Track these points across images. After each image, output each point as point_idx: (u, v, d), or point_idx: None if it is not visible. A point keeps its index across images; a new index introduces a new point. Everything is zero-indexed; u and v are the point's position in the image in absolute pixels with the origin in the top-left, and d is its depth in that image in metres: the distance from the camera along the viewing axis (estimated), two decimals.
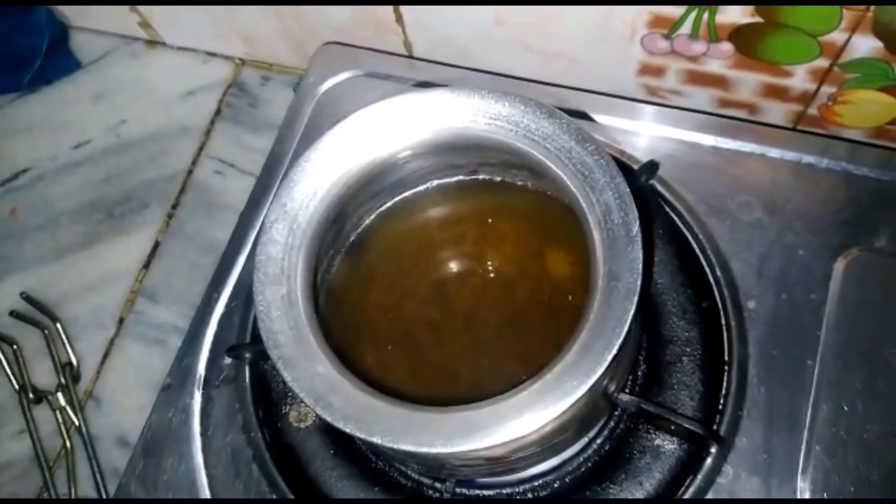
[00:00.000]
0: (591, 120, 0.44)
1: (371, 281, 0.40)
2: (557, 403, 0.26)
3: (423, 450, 0.26)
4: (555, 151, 0.30)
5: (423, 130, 0.32)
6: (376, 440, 0.27)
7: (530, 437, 0.29)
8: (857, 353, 0.39)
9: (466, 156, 0.36)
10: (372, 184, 0.35)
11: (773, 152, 0.43)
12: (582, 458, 0.39)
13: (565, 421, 0.31)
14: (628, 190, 0.29)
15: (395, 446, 0.27)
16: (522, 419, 0.26)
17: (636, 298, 0.27)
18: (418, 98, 0.32)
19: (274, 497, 0.38)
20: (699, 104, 0.51)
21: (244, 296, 0.44)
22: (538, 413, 0.26)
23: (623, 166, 0.42)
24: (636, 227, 0.28)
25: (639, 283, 0.27)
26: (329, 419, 0.27)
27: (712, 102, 0.51)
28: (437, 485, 0.39)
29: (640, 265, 0.27)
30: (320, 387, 0.28)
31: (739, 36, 0.45)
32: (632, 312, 0.27)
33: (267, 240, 0.30)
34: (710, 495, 0.37)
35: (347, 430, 0.27)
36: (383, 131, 0.32)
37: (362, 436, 0.27)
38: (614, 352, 0.26)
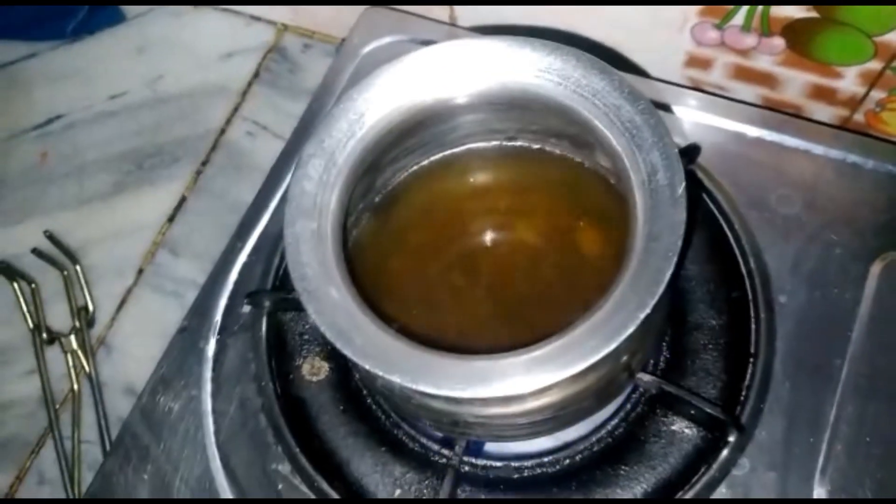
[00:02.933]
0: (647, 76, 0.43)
1: (397, 241, 0.39)
2: (580, 360, 0.26)
3: (442, 392, 0.26)
4: (603, 108, 0.29)
5: (471, 78, 0.31)
6: (395, 378, 0.26)
7: (548, 396, 0.28)
8: (887, 358, 0.38)
9: (508, 118, 0.35)
10: (411, 136, 0.35)
11: (818, 149, 0.42)
12: (595, 438, 0.38)
13: (583, 387, 0.30)
14: (676, 151, 0.28)
15: (414, 386, 0.26)
16: (542, 371, 0.26)
17: (675, 259, 0.26)
18: (470, 44, 0.31)
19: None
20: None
21: (267, 249, 0.44)
22: (559, 368, 0.26)
23: None
24: (681, 189, 0.27)
25: (679, 244, 0.26)
26: (349, 354, 0.27)
27: (757, 101, 0.51)
28: (445, 451, 0.38)
29: (683, 227, 0.27)
30: (343, 322, 0.27)
31: (793, 31, 0.44)
32: (669, 273, 0.26)
33: (302, 174, 0.30)
34: (723, 487, 0.36)
35: (367, 367, 0.27)
36: (431, 77, 0.32)
37: (381, 373, 0.26)
38: (647, 310, 0.26)
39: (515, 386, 0.25)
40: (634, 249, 0.27)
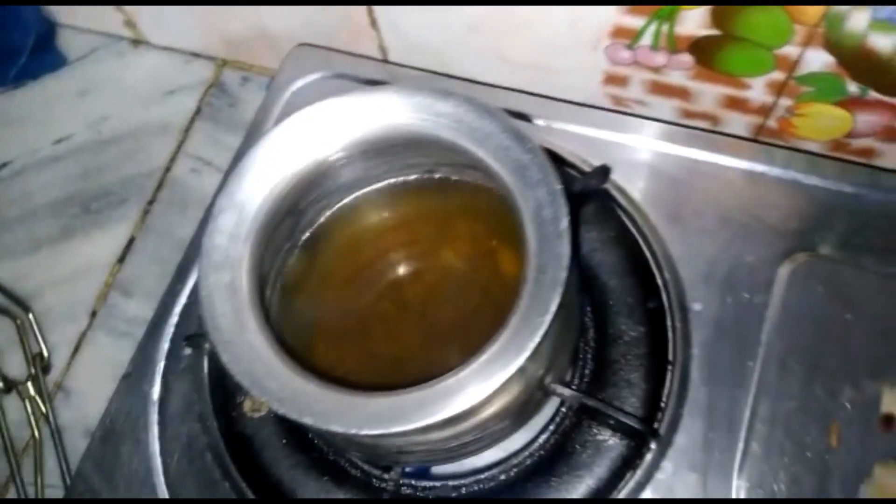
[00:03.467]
0: (530, 121, 0.46)
1: (327, 275, 0.41)
2: (479, 391, 0.27)
3: (350, 431, 0.27)
4: (493, 149, 0.31)
5: (367, 128, 0.33)
6: (307, 421, 0.28)
7: (463, 422, 0.30)
8: (797, 356, 0.40)
9: (420, 155, 0.37)
10: (326, 180, 0.36)
11: (727, 161, 0.44)
12: (528, 452, 0.40)
13: (499, 409, 0.32)
14: (560, 187, 0.30)
15: (324, 427, 0.28)
16: (446, 404, 0.27)
17: (560, 290, 0.28)
18: (364, 96, 0.33)
19: (234, 497, 0.39)
20: (664, 115, 0.53)
21: None
22: (460, 399, 0.27)
23: (579, 171, 0.43)
24: (565, 222, 0.29)
25: (563, 275, 0.28)
26: (264, 400, 0.28)
27: (676, 113, 0.52)
28: (386, 476, 0.39)
29: (567, 259, 0.28)
30: (258, 370, 0.29)
31: (698, 48, 0.46)
32: (555, 303, 0.28)
33: (213, 228, 0.31)
34: (648, 490, 0.38)
35: (281, 412, 0.28)
36: (330, 128, 0.33)
37: (294, 417, 0.28)
38: (536, 341, 0.27)
39: (418, 420, 0.27)
40: (527, 280, 0.29)
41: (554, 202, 0.29)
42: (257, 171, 0.32)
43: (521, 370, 0.27)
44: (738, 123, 0.52)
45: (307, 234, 0.40)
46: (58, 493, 0.53)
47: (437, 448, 0.34)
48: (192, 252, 0.46)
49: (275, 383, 0.28)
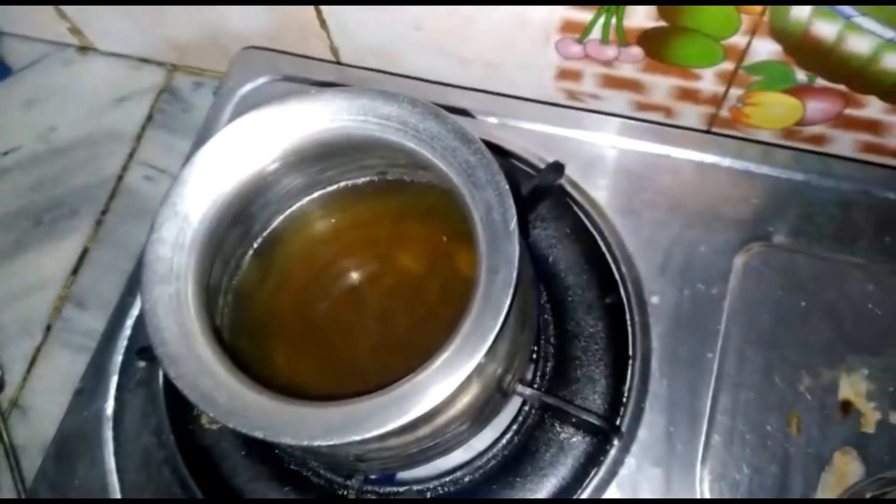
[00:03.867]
0: (472, 116, 0.45)
1: (281, 280, 0.40)
2: (432, 398, 0.27)
3: (302, 443, 0.27)
4: (441, 150, 0.31)
5: (310, 132, 0.32)
6: (258, 434, 0.27)
7: (421, 428, 0.29)
8: (755, 346, 0.40)
9: (370, 157, 0.36)
10: (272, 186, 0.35)
11: (678, 153, 0.45)
12: (492, 453, 0.40)
13: (458, 412, 0.31)
14: (507, 187, 0.29)
15: (275, 440, 0.27)
16: (401, 411, 0.27)
17: (511, 291, 0.28)
18: (305, 101, 0.32)
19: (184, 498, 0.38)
20: (618, 107, 0.53)
21: None
22: (415, 405, 0.27)
23: (534, 167, 0.43)
24: (514, 223, 0.29)
25: (514, 275, 0.28)
26: (212, 415, 0.28)
27: (630, 106, 0.52)
28: (349, 483, 0.39)
29: (516, 259, 0.28)
30: (204, 384, 0.28)
31: (647, 40, 0.46)
32: (507, 304, 0.28)
33: (156, 238, 0.30)
34: (613, 487, 0.38)
35: (230, 426, 0.27)
36: (271, 134, 0.32)
37: (244, 430, 0.27)
38: (489, 343, 0.27)
39: (372, 429, 0.27)
40: (479, 281, 0.28)
41: (502, 203, 0.29)
42: (199, 180, 0.32)
43: (478, 371, 0.27)
44: (692, 114, 0.52)
45: (259, 241, 0.39)
46: None
47: (397, 455, 0.33)
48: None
49: (223, 396, 0.28)
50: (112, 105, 0.64)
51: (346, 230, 0.42)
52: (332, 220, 0.41)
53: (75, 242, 0.59)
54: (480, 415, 0.35)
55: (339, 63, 0.53)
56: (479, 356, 0.27)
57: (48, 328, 0.57)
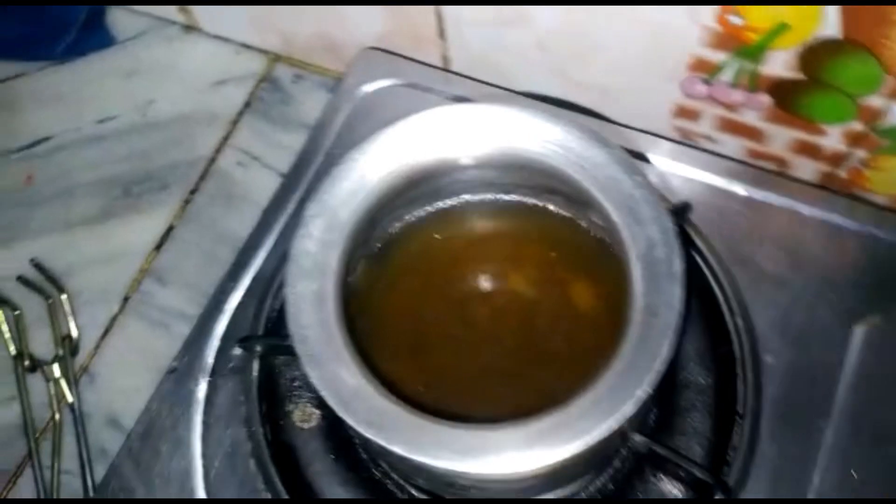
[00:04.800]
0: (647, 161, 0.44)
1: (393, 289, 0.40)
2: (580, 437, 0.26)
3: (442, 465, 0.26)
4: (602, 180, 0.30)
5: (472, 141, 0.32)
6: (396, 449, 0.27)
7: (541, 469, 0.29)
8: (870, 421, 0.38)
9: (508, 175, 0.36)
10: (408, 190, 0.35)
11: (803, 208, 0.44)
12: (584, 496, 0.39)
13: (578, 454, 0.30)
14: (673, 227, 0.29)
15: (415, 458, 0.26)
16: (540, 448, 0.26)
17: (674, 337, 0.27)
18: (472, 109, 0.32)
19: (269, 497, 0.38)
20: (730, 153, 0.52)
21: (260, 291, 0.44)
22: (557, 445, 0.26)
23: None
24: (679, 265, 0.28)
25: (677, 321, 0.27)
26: (351, 422, 0.27)
27: (743, 152, 0.52)
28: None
29: (681, 303, 0.27)
30: (344, 389, 0.28)
31: (779, 89, 0.45)
32: (668, 352, 0.27)
33: (304, 233, 0.30)
34: None
35: (368, 436, 0.27)
36: (433, 139, 0.32)
37: (382, 443, 0.27)
38: (648, 390, 0.26)
39: (514, 463, 0.26)
40: (632, 322, 0.28)
41: (667, 242, 0.28)
42: (350, 179, 0.31)
43: (623, 422, 0.26)
44: (806, 169, 0.51)
45: (378, 245, 0.38)
46: (74, 480, 0.52)
47: (506, 488, 0.33)
48: (247, 253, 0.45)
49: (362, 404, 0.27)
50: (211, 87, 0.64)
51: (463, 246, 0.41)
52: (447, 234, 0.41)
53: (162, 218, 0.59)
54: (597, 458, 0.34)
55: (454, 72, 0.53)
56: (632, 406, 0.26)
57: (126, 299, 0.57)
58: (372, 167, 0.32)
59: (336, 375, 0.28)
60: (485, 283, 0.41)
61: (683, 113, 0.50)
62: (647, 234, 0.29)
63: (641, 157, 0.46)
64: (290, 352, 0.41)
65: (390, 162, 0.32)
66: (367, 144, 0.32)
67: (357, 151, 0.32)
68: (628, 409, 0.26)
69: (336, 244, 0.31)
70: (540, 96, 0.51)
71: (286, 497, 0.36)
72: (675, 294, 0.27)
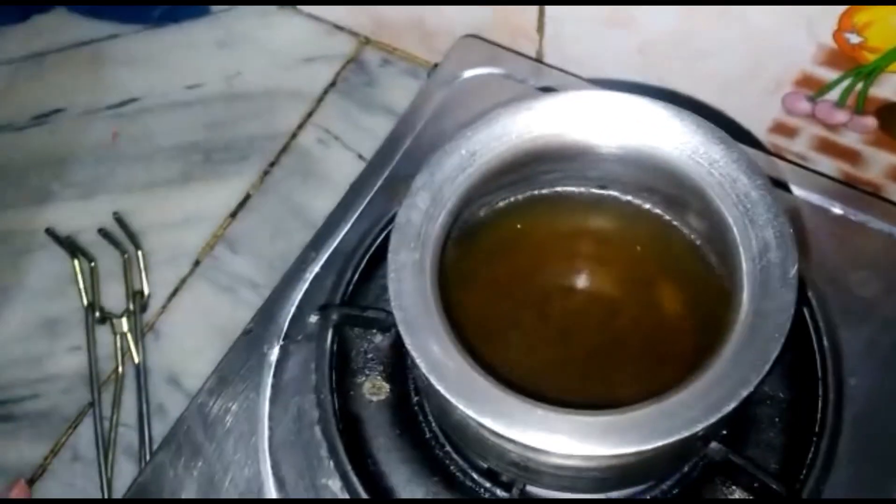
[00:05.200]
0: (789, 191, 0.44)
1: (473, 274, 0.39)
2: (675, 430, 0.26)
3: (531, 442, 0.26)
4: (718, 178, 0.30)
5: (588, 129, 0.32)
6: (486, 421, 0.26)
7: (627, 457, 0.28)
8: None
9: (606, 168, 0.36)
10: (507, 175, 0.35)
11: None
12: (649, 497, 0.38)
13: (661, 452, 0.30)
14: (791, 231, 0.28)
15: (503, 432, 0.26)
16: (641, 434, 0.26)
17: (783, 340, 0.26)
18: (590, 95, 0.32)
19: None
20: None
21: (339, 263, 0.44)
22: (661, 433, 0.26)
23: None
24: (794, 271, 0.27)
25: (788, 326, 0.26)
26: (442, 389, 0.27)
27: (837, 175, 0.50)
28: (498, 491, 0.38)
29: (793, 309, 0.27)
30: (436, 358, 0.28)
31: (887, 113, 0.44)
32: (776, 352, 0.26)
33: (410, 204, 0.30)
34: None
35: (460, 407, 0.27)
36: (546, 123, 0.32)
37: (472, 413, 0.26)
38: (751, 388, 0.26)
39: (601, 447, 0.25)
40: (737, 323, 0.27)
41: (783, 246, 0.28)
42: (458, 154, 0.31)
43: (720, 418, 0.26)
44: None
45: (463, 229, 0.38)
46: (130, 433, 0.53)
47: (580, 477, 0.32)
48: (330, 225, 0.45)
49: (453, 373, 0.27)
50: (299, 63, 0.65)
51: (549, 237, 0.41)
52: (536, 223, 0.40)
53: (239, 187, 0.60)
54: (676, 459, 0.33)
55: (553, 66, 0.52)
56: (734, 402, 0.25)
57: (197, 262, 0.58)
58: (482, 146, 0.32)
59: (430, 344, 0.28)
60: (568, 277, 0.40)
61: (781, 129, 0.50)
62: (763, 237, 0.28)
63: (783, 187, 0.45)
64: (367, 323, 0.42)
65: (500, 143, 0.32)
66: (481, 123, 0.32)
67: (470, 129, 0.32)
68: (730, 406, 0.25)
69: (438, 218, 0.31)
70: (648, 88, 0.50)
71: (356, 486, 0.36)
72: (788, 299, 0.27)
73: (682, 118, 0.31)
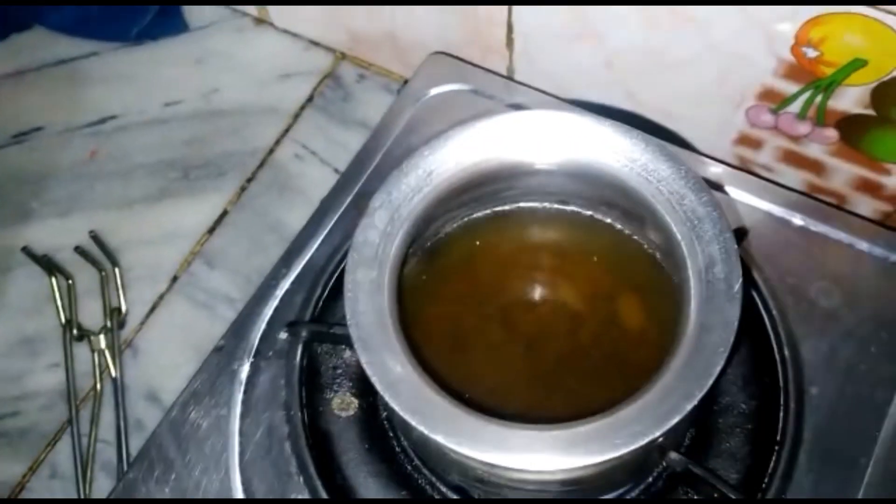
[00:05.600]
0: (725, 192, 0.44)
1: (438, 289, 0.40)
2: (623, 443, 0.26)
3: (481, 457, 0.26)
4: (667, 195, 0.30)
5: (540, 147, 0.32)
6: (437, 438, 0.27)
7: (583, 470, 0.29)
8: None
9: (570, 184, 0.36)
10: (468, 192, 0.36)
11: (862, 245, 0.43)
12: None
13: (617, 464, 0.31)
14: (736, 247, 0.29)
15: (455, 448, 0.27)
16: (586, 449, 0.26)
17: (726, 356, 0.27)
18: (542, 115, 0.32)
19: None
20: (789, 185, 0.51)
21: (310, 279, 0.45)
22: (605, 448, 0.26)
23: None
24: (738, 285, 0.28)
25: (731, 341, 0.27)
26: (396, 407, 0.28)
27: (802, 186, 0.51)
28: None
29: (736, 324, 0.27)
30: (392, 375, 0.28)
31: (847, 124, 0.45)
32: (719, 368, 0.27)
33: (368, 223, 0.31)
34: None
35: (412, 423, 0.27)
36: (501, 142, 0.33)
37: (425, 430, 0.27)
38: (694, 402, 0.26)
39: (553, 462, 0.26)
40: (684, 337, 0.28)
41: (728, 261, 0.28)
42: (415, 174, 0.32)
43: (666, 431, 0.26)
44: (865, 207, 0.50)
45: (427, 245, 0.39)
46: (109, 449, 0.53)
47: (540, 489, 0.33)
48: (301, 241, 0.45)
49: (408, 391, 0.28)
50: (276, 80, 0.66)
51: (512, 252, 0.41)
52: (499, 239, 0.41)
53: (217, 203, 0.60)
54: (634, 471, 0.34)
55: (522, 83, 0.53)
56: (678, 416, 0.26)
57: (174, 279, 0.58)
58: (439, 165, 0.32)
59: (385, 361, 0.28)
60: (531, 291, 0.41)
61: (746, 141, 0.50)
62: (708, 252, 0.29)
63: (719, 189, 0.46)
64: (335, 339, 0.42)
65: (457, 162, 0.33)
66: (437, 142, 0.32)
67: (427, 148, 0.32)
68: (674, 420, 0.26)
69: (395, 237, 0.31)
70: (609, 108, 0.51)
71: (323, 497, 0.37)
72: (732, 313, 0.27)
73: (630, 136, 0.31)
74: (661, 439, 0.28)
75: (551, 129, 0.33)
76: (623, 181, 0.32)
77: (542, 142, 0.33)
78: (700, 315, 0.28)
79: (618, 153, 0.31)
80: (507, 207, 0.40)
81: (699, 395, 0.27)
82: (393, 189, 0.32)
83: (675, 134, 0.51)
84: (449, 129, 0.33)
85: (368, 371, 0.28)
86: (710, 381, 0.27)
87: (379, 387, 0.28)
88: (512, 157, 0.33)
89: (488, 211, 0.40)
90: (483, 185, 0.36)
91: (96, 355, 0.55)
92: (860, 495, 0.37)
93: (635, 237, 0.38)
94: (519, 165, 0.33)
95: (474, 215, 0.40)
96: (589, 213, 0.39)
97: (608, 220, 0.39)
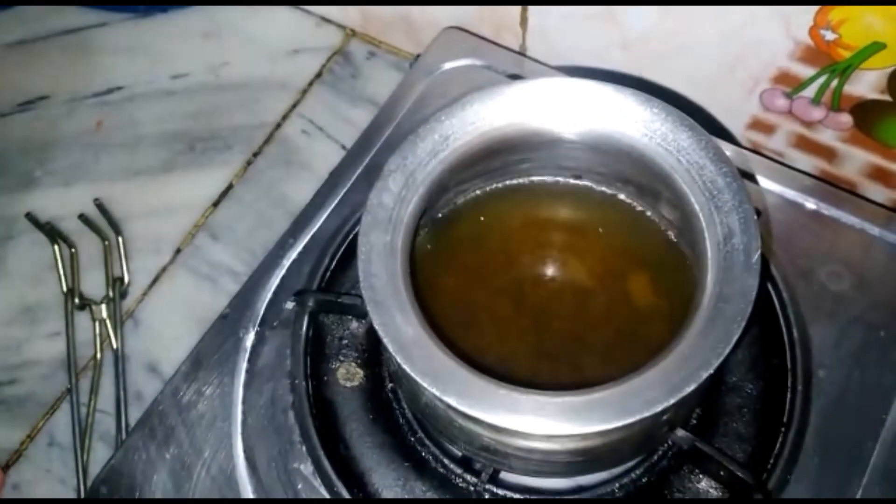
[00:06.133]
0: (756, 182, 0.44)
1: (449, 260, 0.40)
2: (641, 409, 0.26)
3: (495, 421, 0.26)
4: (686, 165, 0.30)
5: (559, 116, 0.32)
6: (450, 400, 0.27)
7: (590, 440, 0.28)
8: None
9: (580, 157, 0.36)
10: (483, 162, 0.35)
11: (874, 230, 0.43)
12: (617, 485, 0.38)
13: (624, 436, 0.30)
14: (755, 217, 0.28)
15: (466, 410, 0.26)
16: (601, 414, 0.26)
17: (743, 325, 0.27)
18: (562, 83, 0.32)
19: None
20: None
21: (317, 250, 0.44)
22: (619, 413, 0.26)
23: None
24: (757, 256, 0.28)
25: (748, 311, 0.27)
26: (408, 369, 0.27)
27: (814, 172, 0.51)
28: (468, 476, 0.38)
29: (754, 294, 0.27)
30: (404, 338, 0.28)
31: (861, 110, 0.45)
32: (736, 337, 0.27)
33: (382, 187, 0.30)
34: None
35: (425, 385, 0.27)
36: (520, 110, 0.32)
37: (436, 392, 0.27)
38: (711, 370, 0.26)
39: (566, 426, 0.26)
40: (701, 307, 0.28)
41: (747, 231, 0.28)
42: (432, 140, 0.32)
43: (681, 399, 0.26)
44: (876, 195, 0.50)
45: (441, 214, 0.39)
46: (108, 419, 0.53)
47: (546, 460, 0.32)
48: (309, 212, 0.45)
49: (420, 354, 0.27)
50: (285, 55, 0.65)
51: (524, 226, 0.41)
52: (513, 213, 0.41)
53: (222, 176, 0.60)
54: (640, 445, 0.34)
55: (536, 60, 0.53)
56: (693, 384, 0.26)
57: (178, 251, 0.58)
58: (456, 130, 0.32)
59: (398, 324, 0.28)
60: (542, 266, 0.41)
61: (758, 126, 0.50)
62: (728, 223, 0.29)
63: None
64: (342, 309, 0.42)
65: (473, 128, 0.32)
66: (454, 107, 0.32)
67: (444, 113, 0.32)
68: (690, 387, 0.26)
69: (410, 201, 0.31)
70: (628, 77, 0.51)
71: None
72: (750, 284, 0.27)
73: (650, 106, 0.31)
74: (672, 410, 0.28)
75: (570, 97, 0.32)
76: (641, 151, 0.31)
77: (560, 110, 0.32)
78: (717, 285, 0.28)
79: (637, 122, 0.31)
80: (520, 181, 0.40)
81: (715, 364, 0.26)
82: (409, 153, 0.31)
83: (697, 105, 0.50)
84: (465, 94, 0.33)
85: (381, 332, 0.28)
86: (728, 349, 0.27)
87: (391, 348, 0.28)
88: (530, 125, 0.33)
89: (501, 184, 0.40)
90: (498, 155, 0.36)
91: (97, 325, 0.55)
92: (865, 478, 0.37)
93: (649, 214, 0.38)
94: (537, 133, 0.33)
95: (487, 188, 0.40)
96: (602, 188, 0.39)
97: (621, 196, 0.38)
